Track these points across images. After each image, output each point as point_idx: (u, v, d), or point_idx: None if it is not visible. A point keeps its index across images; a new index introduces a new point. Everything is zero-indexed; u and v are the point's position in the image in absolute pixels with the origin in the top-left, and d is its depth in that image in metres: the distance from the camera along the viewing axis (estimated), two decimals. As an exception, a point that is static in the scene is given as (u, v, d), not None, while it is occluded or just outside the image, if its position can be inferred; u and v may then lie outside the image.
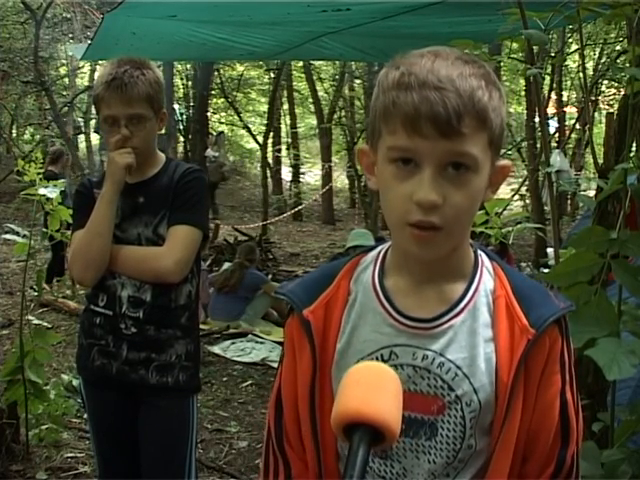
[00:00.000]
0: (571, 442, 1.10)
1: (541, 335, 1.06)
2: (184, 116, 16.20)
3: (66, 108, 14.69)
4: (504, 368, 1.06)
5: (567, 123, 13.78)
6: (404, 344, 1.09)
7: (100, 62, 9.00)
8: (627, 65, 2.03)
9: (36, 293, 5.75)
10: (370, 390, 0.89)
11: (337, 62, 13.62)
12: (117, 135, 2.12)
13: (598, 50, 12.79)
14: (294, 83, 17.27)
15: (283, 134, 18.24)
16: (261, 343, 5.98)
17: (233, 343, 5.96)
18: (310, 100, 16.26)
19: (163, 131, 2.32)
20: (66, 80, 16.42)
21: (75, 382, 4.41)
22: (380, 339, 1.10)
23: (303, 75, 15.83)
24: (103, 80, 2.10)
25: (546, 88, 12.22)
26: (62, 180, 3.92)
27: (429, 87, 0.98)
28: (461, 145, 0.98)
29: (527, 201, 11.40)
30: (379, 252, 1.16)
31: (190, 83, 16.09)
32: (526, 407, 1.07)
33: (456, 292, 1.10)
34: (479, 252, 1.14)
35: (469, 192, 1.01)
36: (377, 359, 1.09)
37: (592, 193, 2.65)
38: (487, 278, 1.11)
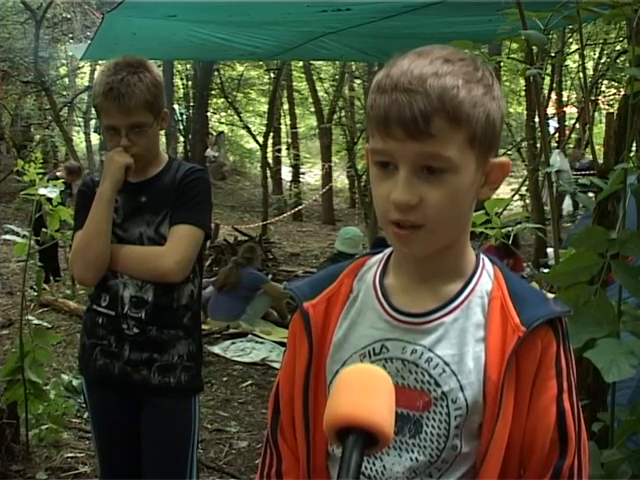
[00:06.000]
0: (569, 453, 1.07)
1: (531, 334, 1.05)
2: (184, 116, 16.17)
3: (66, 108, 14.68)
4: (493, 366, 1.06)
5: (567, 123, 13.78)
6: (396, 338, 1.10)
7: (100, 62, 9.02)
8: (627, 65, 2.02)
9: (36, 293, 5.75)
10: (362, 393, 0.88)
11: (337, 62, 13.60)
12: (118, 148, 2.12)
13: (598, 50, 12.79)
14: (294, 83, 17.26)
15: (283, 134, 18.23)
16: (261, 343, 5.98)
17: (233, 343, 5.96)
18: (310, 100, 16.25)
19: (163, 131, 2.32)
20: (66, 80, 16.41)
21: (75, 382, 4.41)
22: (375, 334, 1.11)
23: (303, 75, 15.81)
24: (101, 90, 2.09)
25: (546, 88, 12.21)
26: (61, 181, 3.92)
27: (399, 90, 1.00)
28: (432, 146, 0.99)
29: (527, 201, 11.39)
30: (384, 254, 1.19)
31: (190, 83, 16.06)
32: (518, 411, 1.06)
33: (451, 291, 1.11)
34: (482, 256, 1.15)
35: (448, 190, 1.02)
36: (369, 352, 1.11)
37: (591, 193, 2.65)
38: (485, 280, 1.12)
